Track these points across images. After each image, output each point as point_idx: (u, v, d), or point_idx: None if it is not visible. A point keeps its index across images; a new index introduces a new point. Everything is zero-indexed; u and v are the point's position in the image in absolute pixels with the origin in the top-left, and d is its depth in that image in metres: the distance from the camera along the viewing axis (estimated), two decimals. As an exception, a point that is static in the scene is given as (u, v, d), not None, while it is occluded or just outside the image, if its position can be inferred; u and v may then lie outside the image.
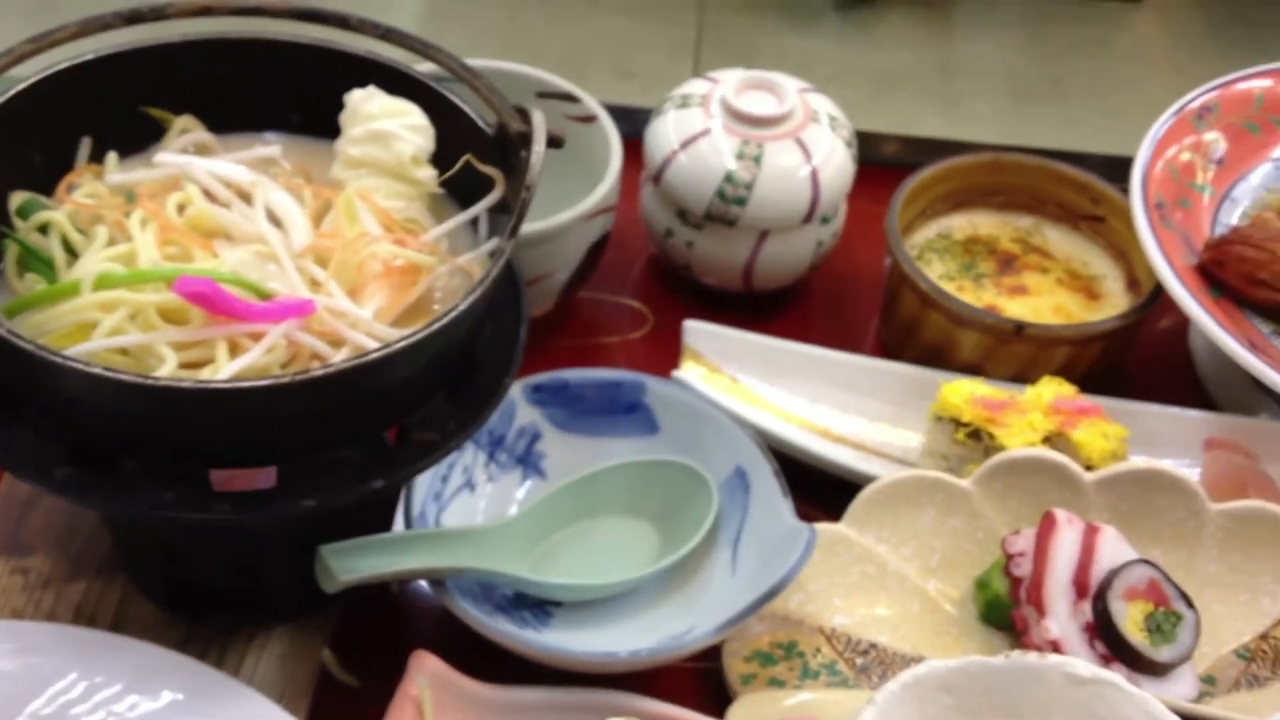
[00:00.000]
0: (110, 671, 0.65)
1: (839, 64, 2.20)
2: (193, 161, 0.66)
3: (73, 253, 0.63)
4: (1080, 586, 0.72)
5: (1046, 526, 0.73)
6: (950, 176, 0.94)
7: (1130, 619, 0.71)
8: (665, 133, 0.90)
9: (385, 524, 0.74)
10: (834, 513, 0.77)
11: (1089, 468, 0.77)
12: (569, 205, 0.84)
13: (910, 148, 1.09)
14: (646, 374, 0.80)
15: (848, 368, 0.86)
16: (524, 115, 0.66)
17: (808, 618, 0.74)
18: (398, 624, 0.75)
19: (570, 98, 0.91)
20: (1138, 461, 0.77)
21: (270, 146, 0.69)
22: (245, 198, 0.65)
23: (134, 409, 0.57)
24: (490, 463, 0.78)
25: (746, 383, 0.85)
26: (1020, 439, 0.77)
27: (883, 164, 1.03)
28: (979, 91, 2.19)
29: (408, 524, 0.72)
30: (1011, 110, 2.16)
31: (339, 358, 0.60)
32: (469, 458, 0.77)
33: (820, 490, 0.80)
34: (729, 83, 0.91)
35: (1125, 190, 0.90)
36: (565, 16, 2.28)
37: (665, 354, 0.88)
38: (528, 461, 0.79)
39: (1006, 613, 0.74)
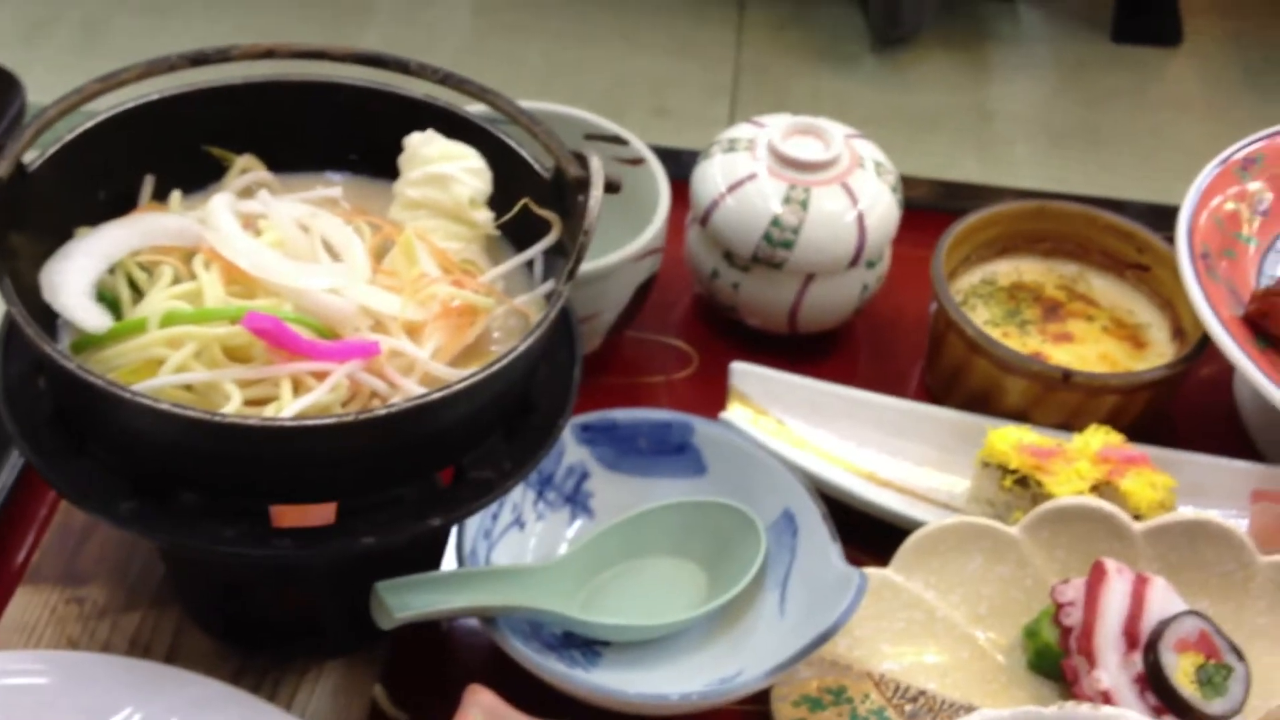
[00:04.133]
0: (165, 704, 0.66)
1: (875, 106, 2.21)
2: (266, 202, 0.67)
3: (137, 291, 0.64)
4: (1130, 637, 0.72)
5: (1097, 576, 0.73)
6: (995, 223, 0.94)
7: (1181, 671, 0.71)
8: (712, 176, 0.91)
9: (436, 560, 0.75)
10: (880, 557, 0.78)
11: (1137, 517, 0.77)
12: (617, 246, 0.85)
13: (951, 192, 1.09)
14: (695, 415, 0.81)
15: (894, 412, 0.87)
16: (582, 160, 0.67)
17: (856, 663, 0.74)
18: (448, 659, 0.76)
19: (618, 140, 0.93)
20: (1187, 512, 0.77)
21: (332, 188, 0.70)
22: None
23: (199, 445, 0.57)
24: (539, 501, 0.79)
25: (793, 425, 0.86)
26: (1068, 487, 0.78)
27: (925, 208, 1.03)
28: (1015, 135, 2.20)
29: (459, 561, 0.72)
30: (1048, 154, 2.16)
31: (398, 398, 0.61)
32: (518, 496, 0.78)
33: (866, 534, 0.80)
34: (775, 127, 0.92)
35: (1169, 239, 0.91)
36: (603, 55, 2.30)
37: (710, 395, 0.88)
38: (576, 500, 0.80)
39: (1056, 662, 0.74)
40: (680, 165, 0.97)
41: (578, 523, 0.79)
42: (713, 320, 0.97)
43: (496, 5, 2.44)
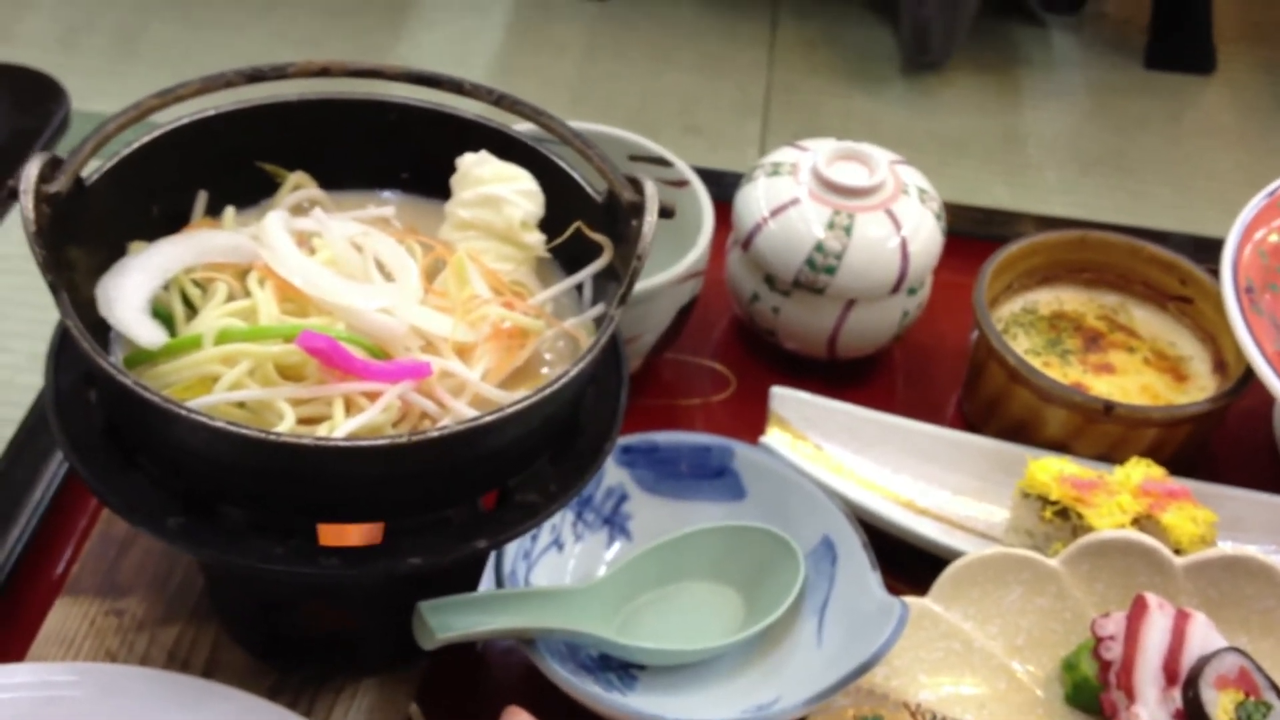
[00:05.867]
0: (204, 719, 0.66)
1: (905, 128, 2.21)
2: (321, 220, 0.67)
3: (191, 307, 0.64)
4: (1170, 673, 0.72)
5: (1138, 611, 0.72)
6: (1037, 252, 0.94)
7: (1221, 708, 0.70)
8: (755, 199, 0.91)
9: (475, 580, 0.75)
10: (916, 584, 0.77)
11: (1178, 551, 0.77)
12: (659, 268, 0.85)
13: (988, 219, 1.09)
14: (734, 439, 0.81)
15: (932, 440, 0.86)
16: (635, 185, 0.67)
17: (892, 692, 0.74)
18: (483, 678, 0.76)
19: (663, 162, 0.93)
20: (1228, 548, 0.77)
21: (385, 207, 0.70)
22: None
23: (252, 463, 0.58)
24: (578, 522, 0.79)
25: (831, 451, 0.86)
26: (1109, 520, 0.77)
27: (965, 236, 1.03)
28: (1046, 160, 2.19)
29: (498, 582, 0.72)
30: (1078, 180, 2.16)
31: (448, 419, 0.61)
32: (557, 517, 0.77)
33: (902, 562, 0.80)
34: (820, 152, 0.92)
35: (1211, 271, 0.90)
36: (635, 72, 2.31)
37: (748, 418, 0.88)
38: (614, 522, 0.80)
39: (1094, 696, 0.73)
40: (722, 187, 0.97)
41: (616, 545, 0.79)
42: (751, 343, 0.97)
43: (529, 19, 2.45)
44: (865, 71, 2.32)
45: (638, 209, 0.65)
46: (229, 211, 0.70)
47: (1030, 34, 2.46)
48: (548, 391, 0.59)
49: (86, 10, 2.34)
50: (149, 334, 0.61)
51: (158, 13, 2.36)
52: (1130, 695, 0.71)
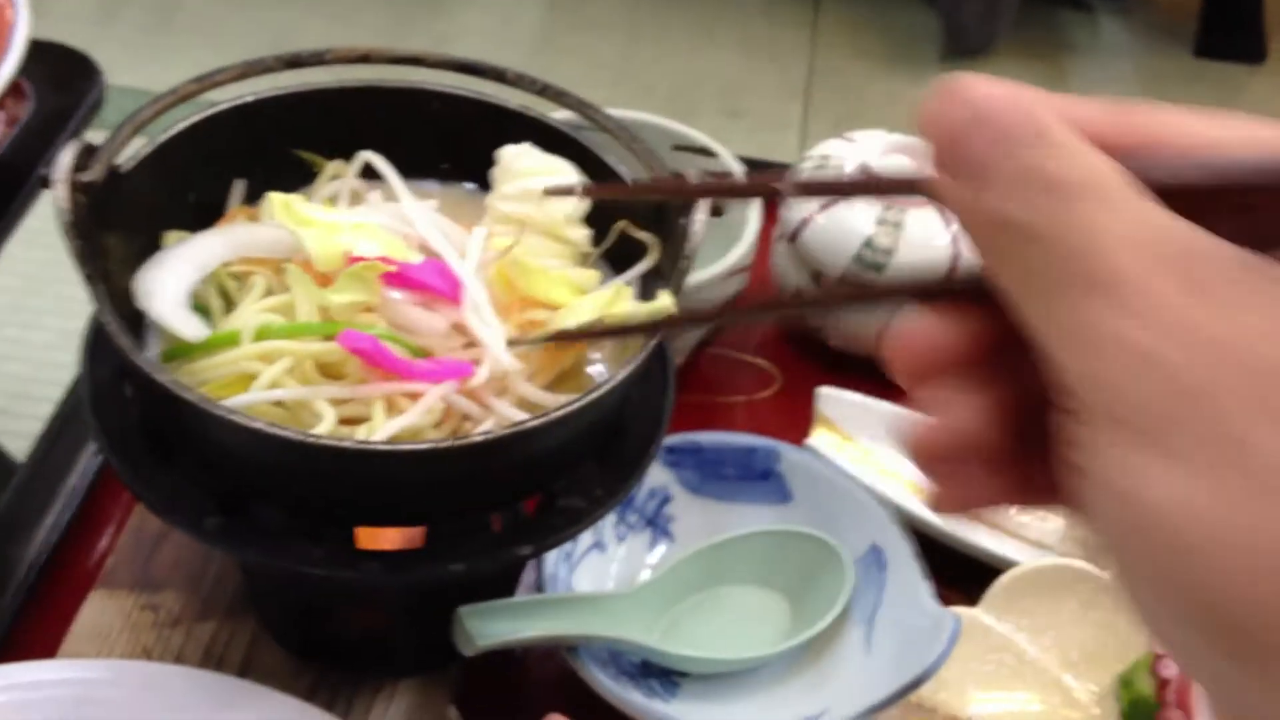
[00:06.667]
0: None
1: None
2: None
3: (228, 300, 0.62)
4: (1231, 692, 0.69)
5: (1199, 628, 0.70)
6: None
7: (1284, 730, 0.68)
8: (803, 192, 0.89)
9: (512, 584, 0.73)
10: (965, 592, 0.75)
11: (1239, 565, 0.74)
12: (704, 263, 0.83)
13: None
14: (780, 440, 0.79)
15: (984, 443, 0.84)
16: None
17: (941, 705, 0.72)
18: (522, 682, 0.74)
19: (707, 152, 0.90)
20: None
21: (428, 199, 0.69)
22: (401, 250, 0.65)
23: (290, 464, 0.56)
24: (620, 523, 0.77)
25: (879, 454, 0.83)
26: (1168, 531, 0.75)
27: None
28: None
29: (540, 584, 0.70)
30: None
31: (491, 421, 0.59)
32: (599, 518, 0.76)
33: (950, 569, 0.78)
34: (870, 145, 0.90)
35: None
36: (677, 52, 2.28)
37: (793, 417, 0.86)
38: (657, 524, 0.78)
39: (1151, 714, 0.71)
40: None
41: (659, 547, 0.78)
42: (797, 340, 0.95)
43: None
44: (910, 55, 2.29)
45: (686, 206, 0.63)
46: (268, 199, 0.68)
47: (1078, 20, 2.42)
48: (595, 395, 0.57)
49: (124, -16, 2.33)
50: (192, 328, 0.59)
51: (193, -13, 2.35)
52: (1189, 714, 0.69)
